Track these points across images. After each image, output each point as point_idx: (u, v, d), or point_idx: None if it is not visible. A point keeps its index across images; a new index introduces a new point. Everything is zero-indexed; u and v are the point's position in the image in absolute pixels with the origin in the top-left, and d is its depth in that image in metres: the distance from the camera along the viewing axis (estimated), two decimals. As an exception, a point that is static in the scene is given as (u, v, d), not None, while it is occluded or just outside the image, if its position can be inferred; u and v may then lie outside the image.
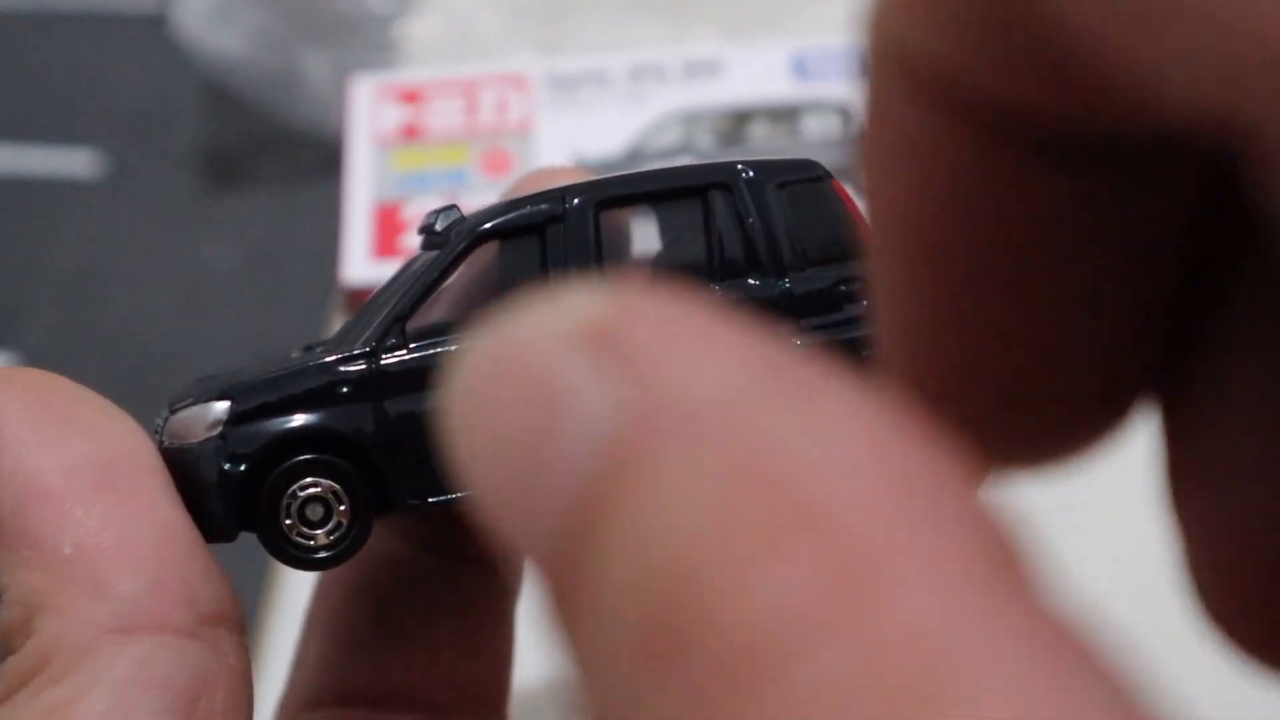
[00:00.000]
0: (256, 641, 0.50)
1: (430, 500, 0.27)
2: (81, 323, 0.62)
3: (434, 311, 0.28)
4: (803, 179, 0.28)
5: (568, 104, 0.51)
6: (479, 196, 0.48)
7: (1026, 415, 0.15)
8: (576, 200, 0.28)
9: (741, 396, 0.11)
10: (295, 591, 0.47)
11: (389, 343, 0.27)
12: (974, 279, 0.14)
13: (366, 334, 0.27)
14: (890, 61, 0.13)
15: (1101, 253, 0.14)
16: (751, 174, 0.28)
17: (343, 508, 0.27)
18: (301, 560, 0.27)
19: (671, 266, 0.28)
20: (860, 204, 0.29)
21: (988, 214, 0.13)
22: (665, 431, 0.11)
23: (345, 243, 0.47)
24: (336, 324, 0.60)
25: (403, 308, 0.27)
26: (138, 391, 0.62)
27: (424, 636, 0.31)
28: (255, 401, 0.27)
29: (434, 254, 0.28)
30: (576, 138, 0.50)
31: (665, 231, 0.29)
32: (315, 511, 0.27)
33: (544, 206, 0.28)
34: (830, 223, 0.28)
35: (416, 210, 0.48)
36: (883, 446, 0.11)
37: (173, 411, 0.28)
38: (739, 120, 0.51)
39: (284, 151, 0.66)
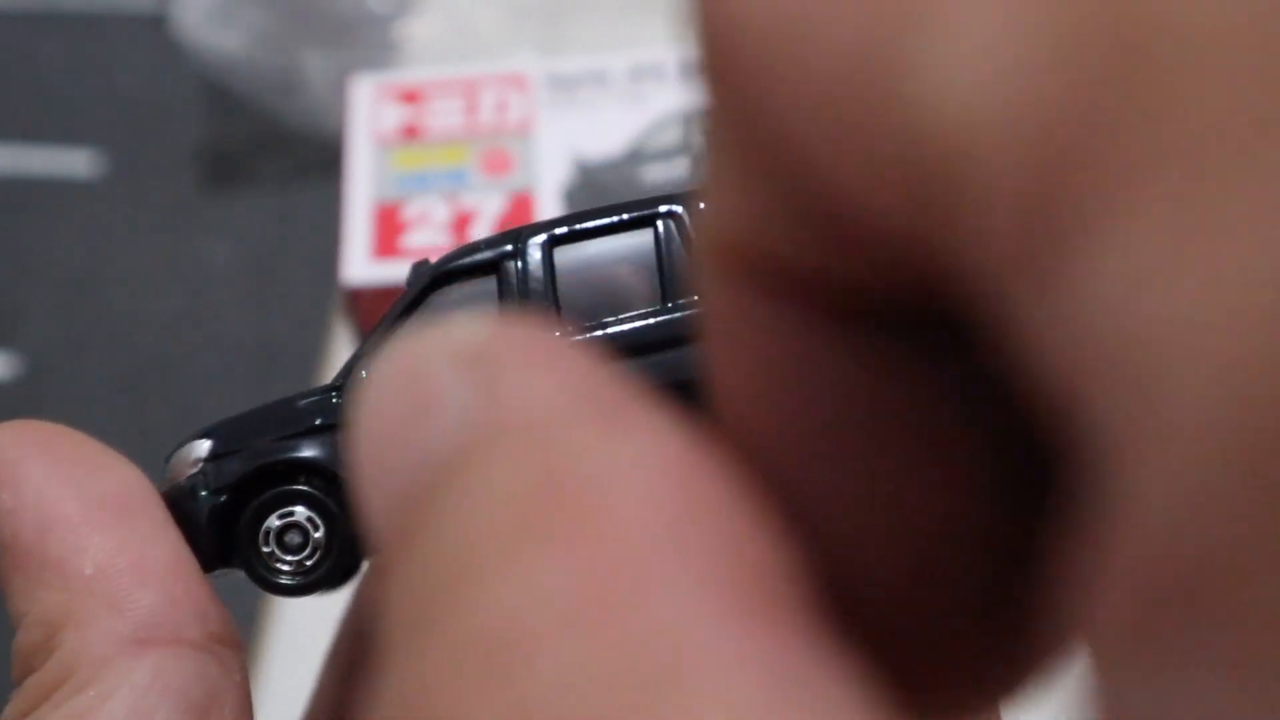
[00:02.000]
0: (253, 668, 0.50)
1: None
2: (81, 322, 0.62)
3: None
4: None
5: (568, 104, 0.51)
6: (479, 196, 0.48)
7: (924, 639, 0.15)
8: (530, 238, 0.30)
9: (558, 414, 0.13)
10: (287, 622, 0.47)
11: (358, 378, 0.29)
12: (832, 461, 0.14)
13: (338, 371, 0.30)
14: (712, 254, 0.14)
15: (945, 436, 0.14)
16: (701, 203, 0.29)
17: (318, 534, 0.28)
18: (281, 586, 0.28)
19: (629, 295, 0.30)
20: None
21: (828, 392, 0.14)
22: (493, 437, 0.13)
23: (345, 243, 0.47)
24: (336, 324, 0.60)
25: (366, 346, 0.29)
26: (138, 391, 0.62)
27: None
28: (233, 437, 0.29)
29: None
30: (576, 138, 0.50)
31: (620, 263, 0.30)
32: (293, 540, 0.28)
33: (498, 248, 0.29)
34: None
35: (416, 210, 0.48)
36: (672, 467, 0.12)
37: (166, 458, 0.29)
38: None
39: (284, 151, 0.66)
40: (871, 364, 0.14)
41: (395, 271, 0.46)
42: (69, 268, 0.64)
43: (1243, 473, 0.09)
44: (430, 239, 0.47)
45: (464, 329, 0.14)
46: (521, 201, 0.48)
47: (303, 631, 0.44)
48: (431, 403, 0.14)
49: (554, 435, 0.13)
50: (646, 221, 0.30)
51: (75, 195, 0.67)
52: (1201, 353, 0.09)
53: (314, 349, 0.60)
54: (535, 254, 0.29)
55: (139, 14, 0.73)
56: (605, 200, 0.51)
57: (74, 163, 0.68)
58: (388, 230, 0.48)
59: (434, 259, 0.30)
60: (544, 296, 0.29)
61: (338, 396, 0.29)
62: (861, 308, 0.13)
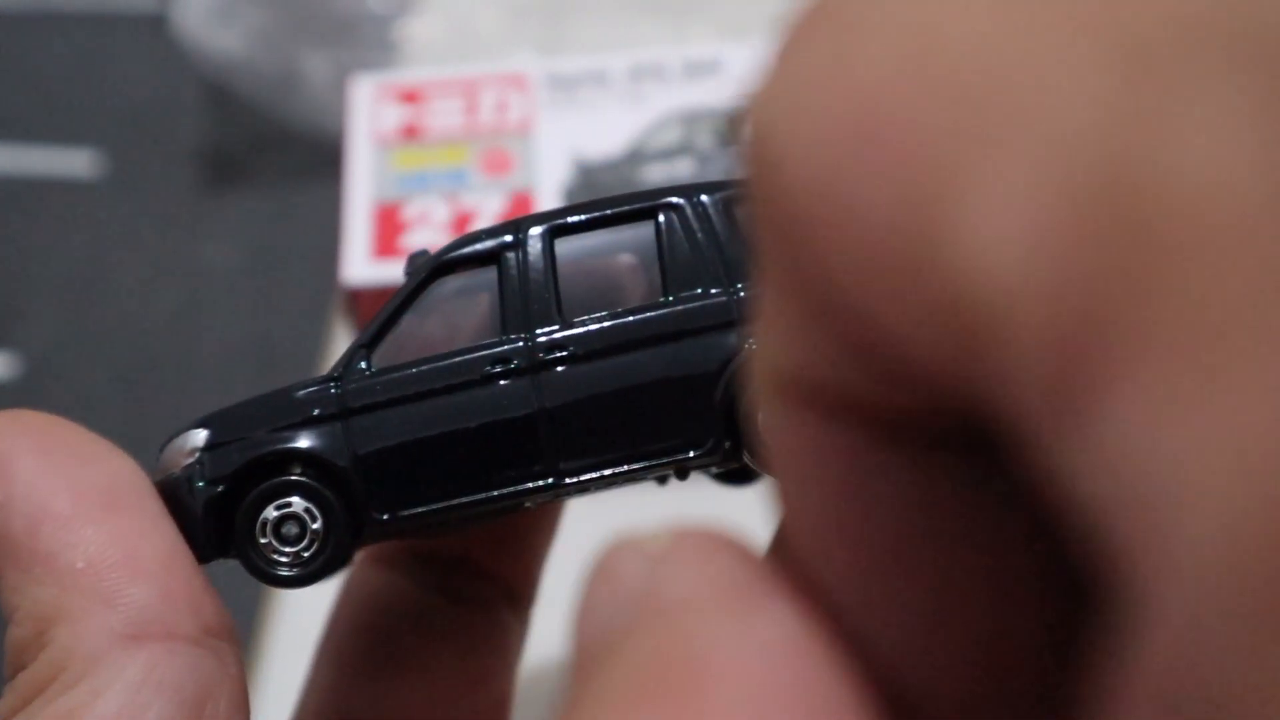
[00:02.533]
0: (253, 662, 0.50)
1: (399, 515, 0.28)
2: (82, 322, 0.62)
3: (414, 349, 0.29)
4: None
5: (568, 104, 0.51)
6: (479, 196, 0.48)
7: None
8: (531, 229, 0.29)
9: (700, 599, 0.16)
10: (288, 614, 0.47)
11: (355, 368, 0.29)
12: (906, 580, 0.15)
13: (340, 360, 0.29)
14: (769, 385, 0.15)
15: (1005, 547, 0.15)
16: (700, 194, 0.29)
17: (315, 526, 0.28)
18: (281, 579, 0.28)
19: (627, 288, 0.30)
20: None
21: (889, 510, 0.15)
22: (648, 615, 0.16)
23: (345, 242, 0.47)
24: (336, 324, 0.60)
25: (365, 336, 0.29)
26: (138, 391, 0.62)
27: (426, 670, 0.33)
28: (229, 427, 0.28)
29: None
30: (576, 138, 0.50)
31: (620, 255, 0.30)
32: (290, 530, 0.28)
33: (499, 238, 0.29)
34: None
35: (416, 210, 0.48)
36: (780, 645, 0.15)
37: (161, 446, 0.29)
38: (739, 119, 0.51)
39: (284, 151, 0.66)
40: (926, 480, 0.15)
41: (395, 271, 0.46)
42: (69, 268, 0.64)
43: (1243, 606, 0.10)
44: (430, 239, 0.47)
45: (655, 537, 0.16)
46: (521, 201, 0.48)
47: (302, 624, 0.44)
48: (619, 585, 0.16)
49: (689, 615, 0.15)
50: (647, 214, 0.29)
51: (75, 195, 0.67)
52: (1206, 497, 0.10)
53: (314, 349, 0.60)
54: (536, 245, 0.29)
55: (139, 14, 0.73)
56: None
57: (74, 163, 0.68)
58: (388, 230, 0.48)
59: (433, 251, 0.30)
60: (544, 288, 0.29)
61: (336, 387, 0.28)
62: (913, 430, 0.14)
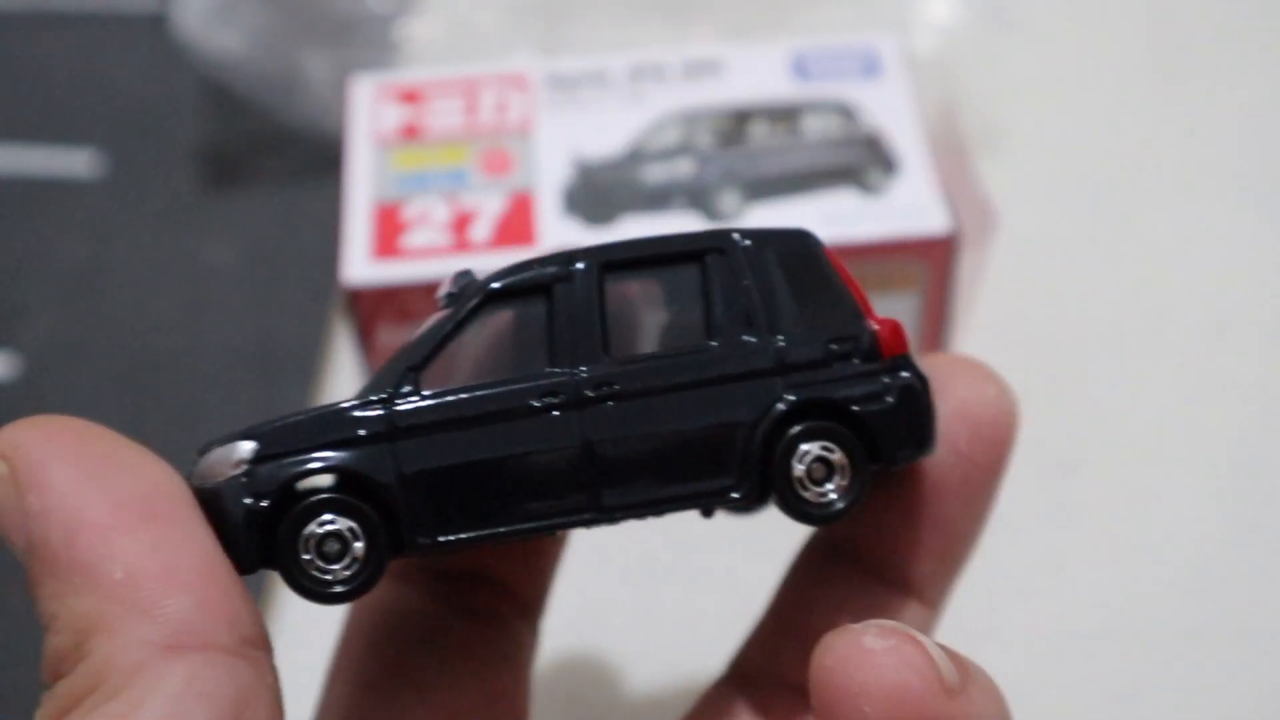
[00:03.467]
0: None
1: (440, 540, 0.29)
2: (82, 322, 0.62)
3: (460, 372, 0.30)
4: (796, 246, 0.31)
5: (568, 104, 0.51)
6: (479, 196, 0.48)
7: None
8: (582, 263, 0.30)
9: None
10: (288, 614, 0.47)
11: (403, 390, 0.29)
12: None
13: (389, 382, 0.30)
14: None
15: None
16: (748, 241, 0.30)
17: (358, 545, 0.28)
18: (319, 594, 0.29)
19: (672, 327, 0.31)
20: (850, 270, 0.31)
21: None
22: None
23: (345, 242, 0.47)
24: (336, 324, 0.60)
25: (415, 358, 0.30)
26: (138, 391, 0.62)
27: (442, 687, 0.33)
28: (277, 442, 0.29)
29: (450, 310, 0.30)
30: (576, 138, 0.50)
31: (669, 295, 0.31)
32: (332, 548, 0.28)
33: (551, 269, 0.30)
34: (821, 286, 0.31)
35: (417, 210, 0.48)
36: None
37: (200, 453, 0.29)
38: (739, 120, 0.51)
39: (284, 151, 0.66)
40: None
41: (395, 271, 0.47)
42: (69, 267, 0.64)
43: None
44: (430, 239, 0.47)
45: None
46: (522, 201, 0.48)
47: (301, 623, 0.44)
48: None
49: None
50: (693, 256, 0.30)
51: (75, 195, 0.67)
52: None
53: (314, 349, 0.60)
54: (586, 280, 0.30)
55: (139, 14, 0.73)
56: (604, 200, 0.51)
57: (74, 163, 0.68)
58: (388, 230, 0.48)
59: (477, 272, 0.31)
60: (592, 323, 0.30)
61: (385, 408, 0.29)
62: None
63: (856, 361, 0.30)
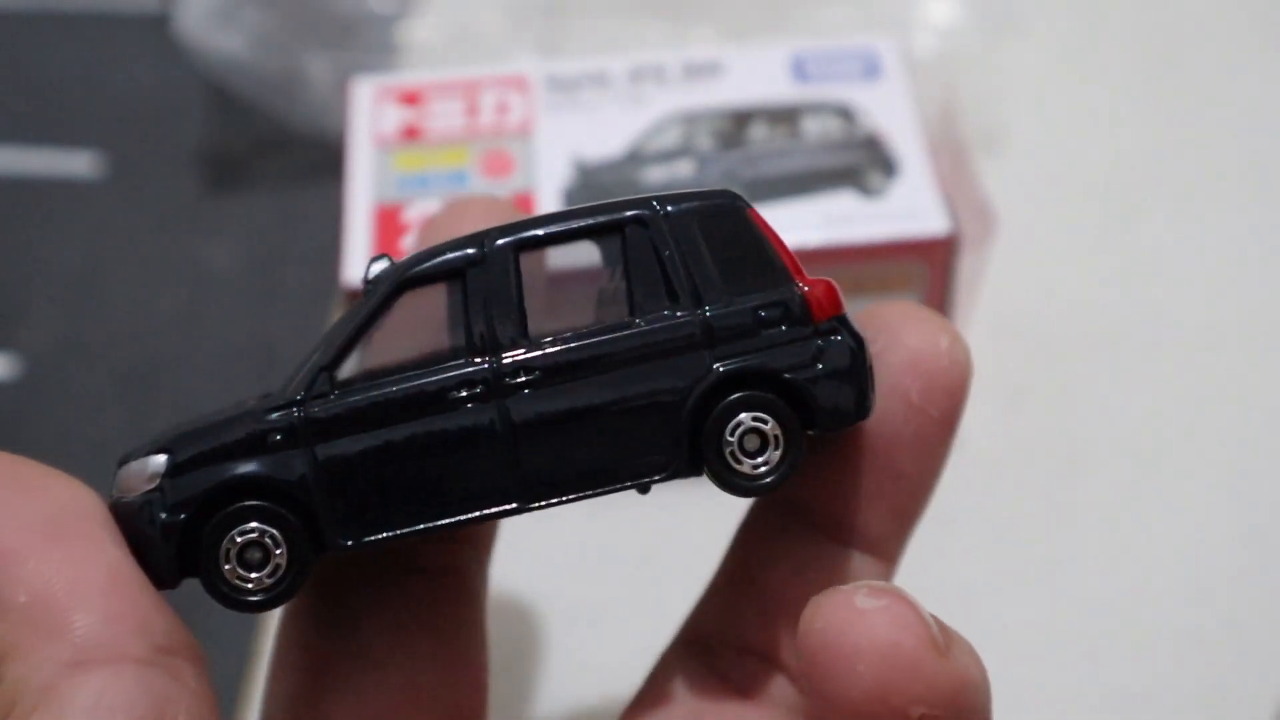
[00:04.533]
0: (253, 664, 0.50)
1: (364, 540, 0.28)
2: (82, 323, 0.62)
3: (380, 356, 0.29)
4: (719, 210, 0.30)
5: (568, 105, 0.51)
6: (479, 198, 0.49)
7: None
8: (495, 243, 0.29)
9: None
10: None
11: (316, 391, 0.28)
12: None
13: (299, 382, 0.29)
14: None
15: None
16: (668, 208, 0.29)
17: (279, 551, 0.28)
18: (242, 603, 0.28)
19: (593, 305, 0.30)
20: (778, 231, 0.30)
21: None
22: None
23: (346, 244, 0.47)
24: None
25: (327, 357, 0.29)
26: (138, 391, 0.62)
27: (399, 660, 0.32)
28: (190, 453, 0.28)
29: (360, 301, 0.29)
30: (576, 139, 0.50)
31: (586, 270, 0.30)
32: (254, 555, 0.28)
33: (462, 253, 0.29)
34: (748, 251, 0.29)
35: (417, 212, 0.48)
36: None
37: (118, 465, 0.29)
38: (739, 121, 0.51)
39: (285, 153, 0.66)
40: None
41: (396, 273, 0.47)
42: (69, 268, 0.64)
43: None
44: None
45: None
46: (522, 203, 0.48)
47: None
48: None
49: None
50: (613, 228, 0.29)
51: (76, 196, 0.67)
52: None
53: (314, 350, 0.60)
54: (501, 261, 0.29)
55: (140, 14, 0.73)
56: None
57: (75, 163, 0.68)
58: (388, 232, 0.48)
59: (394, 258, 0.30)
60: (509, 307, 0.29)
61: (298, 410, 0.28)
62: None
63: (786, 327, 0.29)
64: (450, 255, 0.29)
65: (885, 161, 0.49)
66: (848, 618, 0.25)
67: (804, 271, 0.30)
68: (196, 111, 0.69)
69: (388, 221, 0.48)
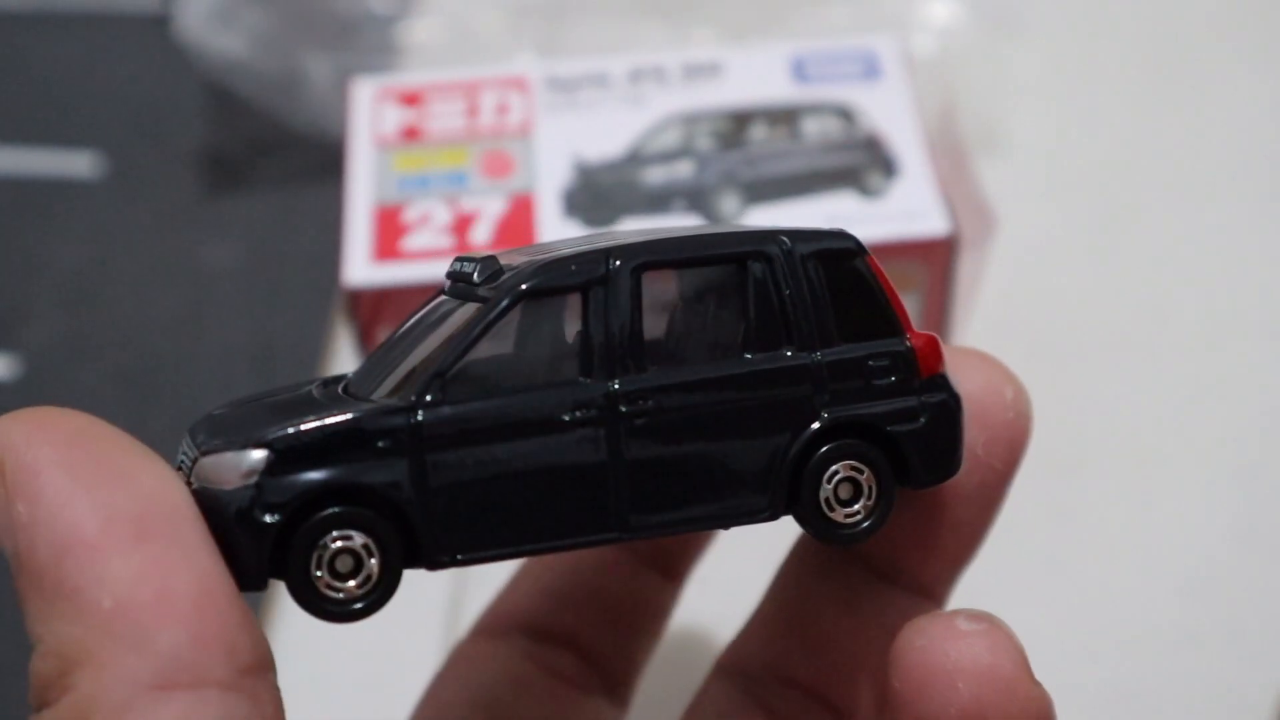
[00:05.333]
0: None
1: (460, 557, 0.27)
2: (82, 323, 0.62)
3: (486, 376, 0.28)
4: (839, 252, 0.30)
5: (568, 106, 0.51)
6: (480, 198, 0.49)
7: None
8: (618, 262, 0.29)
9: None
10: (289, 617, 0.47)
11: (428, 398, 0.27)
12: None
13: (407, 386, 0.28)
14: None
15: None
16: (791, 246, 0.29)
17: (373, 561, 0.27)
18: (331, 613, 0.27)
19: (707, 334, 0.29)
20: (891, 278, 0.30)
21: None
22: None
23: (346, 244, 0.47)
24: (337, 326, 0.60)
25: (444, 364, 0.28)
26: (138, 392, 0.62)
27: None
28: (291, 451, 0.26)
29: (475, 308, 0.28)
30: (577, 140, 0.50)
31: (707, 298, 0.30)
32: (345, 563, 0.27)
33: (586, 270, 0.28)
34: (865, 298, 0.29)
35: (417, 212, 0.48)
36: None
37: (203, 452, 0.27)
38: (739, 122, 0.51)
39: (285, 153, 0.66)
40: None
41: (396, 273, 0.47)
42: (70, 268, 0.64)
43: None
44: (431, 241, 0.47)
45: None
46: (522, 203, 0.48)
47: (303, 626, 0.44)
48: None
49: None
50: (738, 259, 0.29)
51: (76, 196, 0.67)
52: None
53: (314, 350, 0.60)
54: (623, 283, 0.28)
55: (141, 14, 0.73)
56: (604, 202, 0.51)
57: (75, 164, 0.68)
58: (389, 232, 0.48)
59: (502, 257, 0.29)
60: (628, 332, 0.28)
61: (408, 417, 0.27)
62: None
63: (893, 380, 0.29)
64: (575, 270, 0.28)
65: (885, 162, 0.49)
66: (949, 637, 0.26)
67: (912, 324, 0.30)
68: (197, 112, 0.69)
69: (388, 221, 0.48)
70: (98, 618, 0.23)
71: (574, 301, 0.28)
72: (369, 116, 0.51)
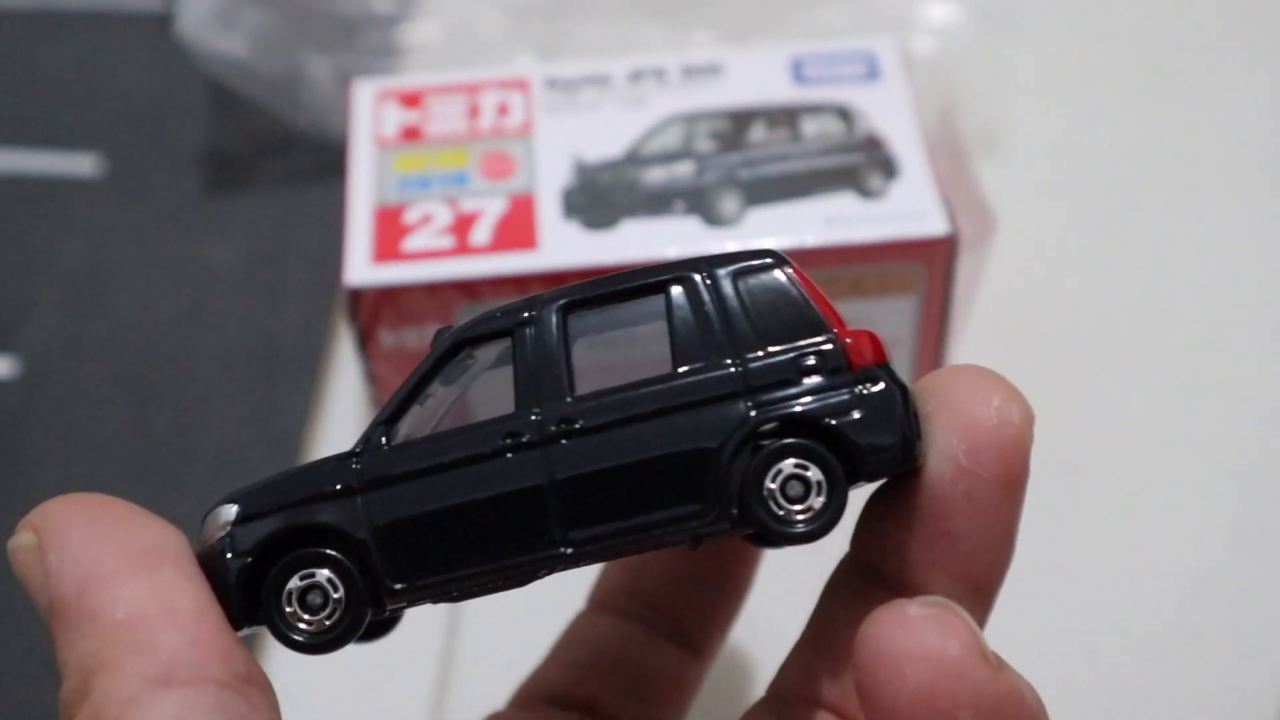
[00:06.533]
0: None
1: (413, 587, 0.30)
2: (83, 323, 0.62)
3: (437, 422, 0.31)
4: (758, 267, 0.31)
5: (568, 107, 0.51)
6: (480, 199, 0.49)
7: None
8: (545, 305, 0.31)
9: None
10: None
11: (375, 443, 0.30)
12: None
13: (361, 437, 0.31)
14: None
15: None
16: (710, 268, 0.31)
17: (337, 595, 0.30)
18: (301, 644, 0.30)
19: (636, 360, 0.31)
20: (818, 286, 0.31)
21: None
22: None
23: (347, 245, 0.47)
24: (338, 326, 0.60)
25: (385, 412, 0.31)
26: (139, 391, 0.62)
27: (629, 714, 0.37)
28: (256, 503, 0.30)
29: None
30: (577, 141, 0.50)
31: (635, 330, 0.31)
32: (315, 600, 0.30)
33: (513, 315, 0.31)
34: (788, 306, 0.30)
35: (418, 213, 0.48)
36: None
37: (202, 520, 0.31)
38: (738, 123, 0.51)
39: (286, 154, 0.66)
40: None
41: (397, 274, 0.47)
42: (70, 268, 0.64)
43: None
44: (432, 242, 0.48)
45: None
46: (523, 204, 0.48)
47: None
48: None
49: None
50: (658, 288, 0.31)
51: (77, 196, 0.67)
52: None
53: (315, 351, 0.60)
54: (549, 321, 0.31)
55: (142, 13, 0.73)
56: (604, 203, 0.51)
57: (76, 163, 0.68)
58: (389, 233, 0.48)
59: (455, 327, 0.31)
60: (555, 363, 0.30)
61: (356, 462, 0.30)
62: None
63: (825, 376, 0.30)
64: (503, 317, 0.31)
65: (885, 163, 0.49)
66: (897, 622, 0.26)
67: (845, 323, 0.31)
68: (198, 112, 0.69)
69: (389, 222, 0.48)
70: (112, 629, 0.27)
71: (507, 344, 0.31)
72: (370, 117, 0.51)
